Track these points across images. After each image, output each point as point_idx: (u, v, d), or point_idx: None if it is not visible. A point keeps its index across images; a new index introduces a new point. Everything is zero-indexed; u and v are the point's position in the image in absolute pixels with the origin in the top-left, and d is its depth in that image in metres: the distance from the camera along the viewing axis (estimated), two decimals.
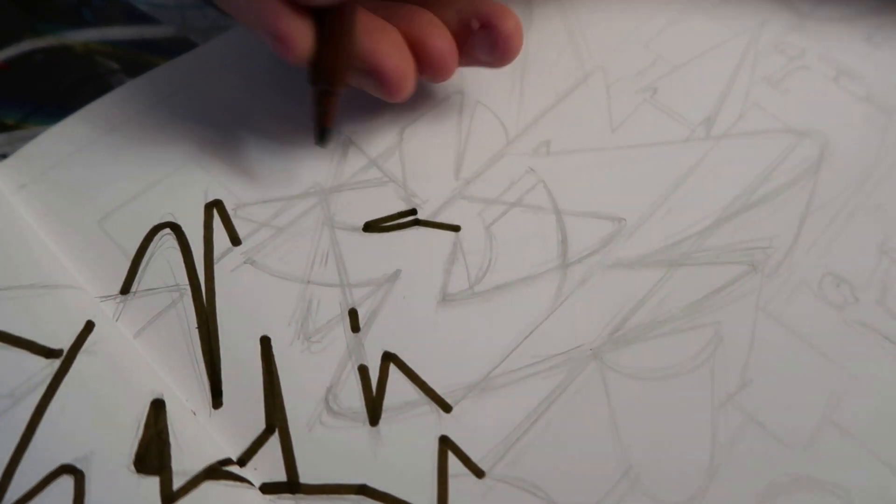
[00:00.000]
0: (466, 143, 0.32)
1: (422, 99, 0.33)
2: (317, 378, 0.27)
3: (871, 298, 0.28)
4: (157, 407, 0.25)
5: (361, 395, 0.26)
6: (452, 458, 0.25)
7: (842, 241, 0.30)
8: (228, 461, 0.25)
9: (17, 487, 0.24)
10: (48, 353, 0.26)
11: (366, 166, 0.31)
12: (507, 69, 0.33)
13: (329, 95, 0.29)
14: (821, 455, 0.25)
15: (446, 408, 0.26)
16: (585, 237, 0.30)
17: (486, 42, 0.29)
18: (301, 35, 0.26)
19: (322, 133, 0.29)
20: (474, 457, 0.25)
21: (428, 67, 0.29)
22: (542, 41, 0.36)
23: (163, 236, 0.29)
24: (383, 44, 0.28)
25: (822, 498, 0.25)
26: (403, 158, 0.31)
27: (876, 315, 0.28)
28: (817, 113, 0.34)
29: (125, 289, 0.28)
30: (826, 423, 0.26)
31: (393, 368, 0.27)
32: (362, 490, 0.25)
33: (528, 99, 0.34)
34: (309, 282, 0.28)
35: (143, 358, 0.26)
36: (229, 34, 0.35)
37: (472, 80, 0.34)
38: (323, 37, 0.27)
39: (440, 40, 0.29)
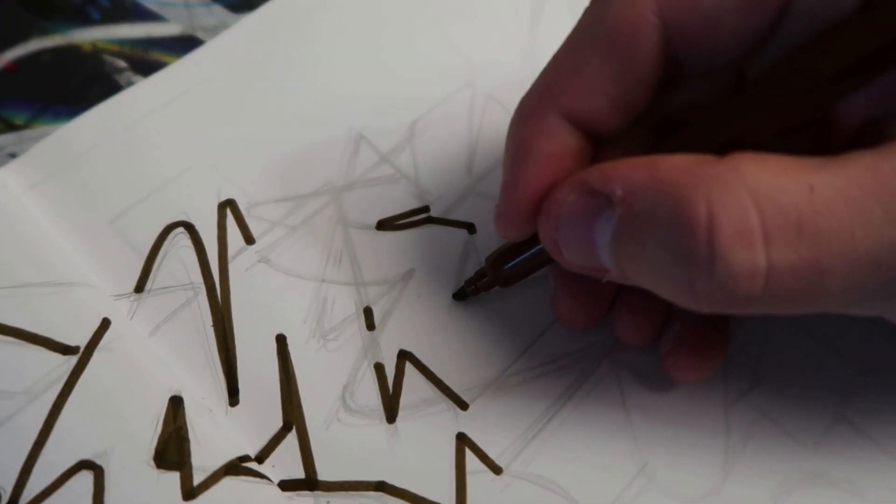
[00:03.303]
0: (478, 139, 0.32)
1: (432, 92, 0.33)
2: (333, 376, 0.27)
3: None
4: (176, 404, 0.25)
5: (378, 392, 0.26)
6: (470, 455, 0.25)
7: None
8: (247, 458, 0.25)
9: (36, 483, 0.24)
10: (65, 349, 0.26)
11: (377, 163, 0.31)
12: (518, 62, 0.33)
13: (490, 286, 0.27)
14: (833, 452, 0.26)
15: (463, 405, 0.26)
16: None
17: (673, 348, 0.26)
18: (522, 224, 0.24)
19: (462, 294, 0.28)
20: (491, 454, 0.25)
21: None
22: (556, 34, 0.36)
23: (176, 235, 0.29)
24: (565, 293, 0.26)
25: (836, 494, 0.25)
26: (415, 154, 0.31)
27: None
28: None
29: (139, 287, 0.28)
30: (838, 420, 0.26)
31: (409, 366, 0.27)
32: (381, 487, 0.25)
33: None
34: (323, 280, 0.28)
35: (158, 356, 0.26)
36: (236, 31, 0.35)
37: (482, 73, 0.33)
38: (524, 253, 0.26)
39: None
